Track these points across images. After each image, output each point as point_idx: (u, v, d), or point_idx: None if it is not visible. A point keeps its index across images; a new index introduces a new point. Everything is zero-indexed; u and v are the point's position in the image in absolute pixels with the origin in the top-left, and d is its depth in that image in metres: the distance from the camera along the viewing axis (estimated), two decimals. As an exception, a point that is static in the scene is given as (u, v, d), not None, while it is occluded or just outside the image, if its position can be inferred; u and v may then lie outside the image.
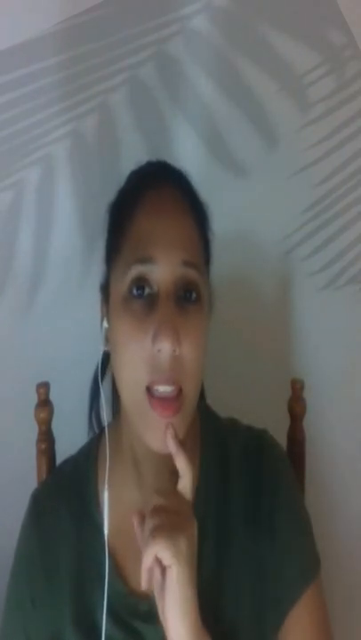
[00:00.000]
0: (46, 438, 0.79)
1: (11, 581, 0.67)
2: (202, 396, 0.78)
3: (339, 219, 0.95)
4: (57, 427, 0.80)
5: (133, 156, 0.68)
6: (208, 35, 0.90)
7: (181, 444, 0.55)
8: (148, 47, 0.90)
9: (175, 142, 0.92)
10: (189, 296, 0.58)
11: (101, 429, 0.70)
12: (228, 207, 0.91)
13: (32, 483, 0.76)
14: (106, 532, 0.63)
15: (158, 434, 0.56)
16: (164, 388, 0.55)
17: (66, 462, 0.73)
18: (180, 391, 0.56)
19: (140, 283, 0.57)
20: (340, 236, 0.96)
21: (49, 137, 0.91)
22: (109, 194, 0.66)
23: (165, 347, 0.54)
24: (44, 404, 0.79)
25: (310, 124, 0.93)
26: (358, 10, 0.91)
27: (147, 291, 0.57)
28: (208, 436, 0.68)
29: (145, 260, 0.57)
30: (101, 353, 0.64)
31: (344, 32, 0.91)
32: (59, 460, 0.77)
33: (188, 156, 0.90)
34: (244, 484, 0.65)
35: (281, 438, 0.76)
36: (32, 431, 0.79)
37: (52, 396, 0.80)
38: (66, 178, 0.92)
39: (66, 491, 0.68)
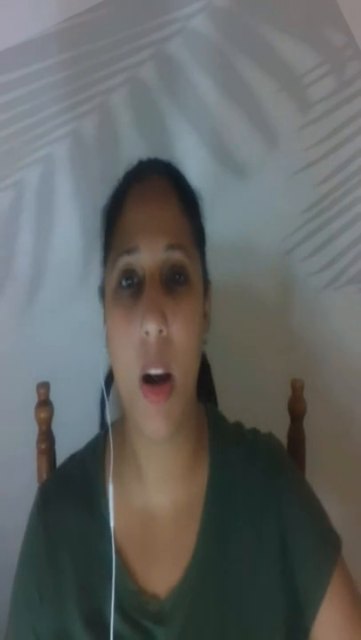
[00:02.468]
0: (46, 438, 0.79)
1: (17, 579, 0.67)
2: (211, 399, 0.78)
3: (339, 219, 0.95)
4: (57, 427, 0.80)
5: (133, 156, 0.68)
6: (208, 35, 0.90)
7: None
8: (148, 47, 0.90)
9: (175, 142, 0.92)
10: (178, 278, 0.58)
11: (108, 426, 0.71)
12: (228, 207, 0.91)
13: (32, 483, 0.76)
14: (112, 524, 0.63)
15: (152, 421, 0.57)
16: (154, 372, 0.56)
17: (72, 458, 0.72)
18: (170, 375, 0.56)
19: (128, 274, 0.58)
20: (341, 236, 0.96)
21: (49, 137, 0.91)
22: (109, 194, 0.66)
23: (152, 327, 0.54)
24: (44, 404, 0.79)
25: (310, 124, 0.93)
26: (358, 10, 0.91)
27: (135, 280, 0.58)
28: (216, 441, 0.68)
29: (130, 250, 0.58)
30: (105, 356, 0.65)
31: (344, 32, 0.91)
32: (59, 459, 0.77)
33: (189, 156, 0.90)
34: (251, 486, 0.65)
35: (281, 438, 0.76)
36: (32, 431, 0.79)
37: (52, 396, 0.80)
38: (66, 178, 0.92)
39: (73, 487, 0.68)
